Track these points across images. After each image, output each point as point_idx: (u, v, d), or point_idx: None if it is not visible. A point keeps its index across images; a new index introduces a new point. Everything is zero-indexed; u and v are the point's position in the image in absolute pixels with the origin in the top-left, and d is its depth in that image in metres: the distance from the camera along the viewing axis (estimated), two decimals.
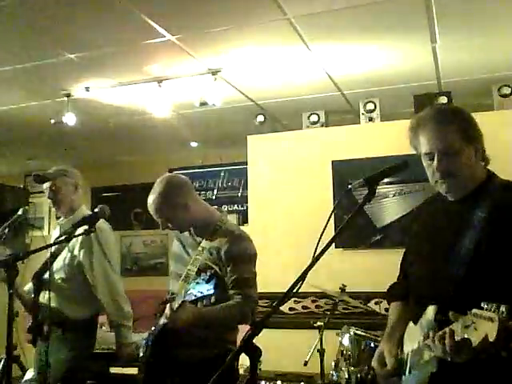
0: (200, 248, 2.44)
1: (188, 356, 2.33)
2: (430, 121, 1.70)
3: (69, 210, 3.10)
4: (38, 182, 3.13)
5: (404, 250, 2.00)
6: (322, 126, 5.11)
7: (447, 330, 1.37)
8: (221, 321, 2.34)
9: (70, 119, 4.82)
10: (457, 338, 1.33)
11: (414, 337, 1.66)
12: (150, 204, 2.45)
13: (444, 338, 1.37)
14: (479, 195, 1.66)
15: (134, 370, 3.99)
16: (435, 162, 1.66)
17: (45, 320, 2.86)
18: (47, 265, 2.93)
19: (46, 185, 3.07)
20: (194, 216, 2.49)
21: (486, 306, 1.26)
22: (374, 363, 1.80)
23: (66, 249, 2.99)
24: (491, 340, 1.21)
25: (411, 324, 1.72)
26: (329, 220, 1.58)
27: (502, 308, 1.22)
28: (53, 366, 2.79)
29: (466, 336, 1.29)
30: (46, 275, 2.91)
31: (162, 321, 2.38)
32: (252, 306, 2.39)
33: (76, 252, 2.97)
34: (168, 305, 2.33)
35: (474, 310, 1.28)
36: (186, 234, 2.58)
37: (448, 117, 1.69)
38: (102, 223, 2.86)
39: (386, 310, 1.99)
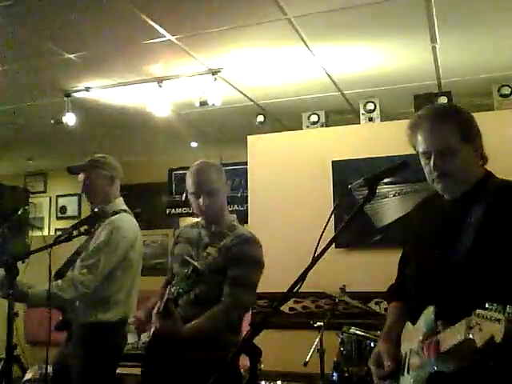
0: (210, 246, 2.41)
1: (189, 358, 2.30)
2: (427, 120, 1.69)
3: (102, 204, 2.88)
4: (70, 173, 3.01)
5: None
6: (322, 126, 5.12)
7: (433, 340, 1.36)
8: (203, 334, 2.29)
9: (70, 119, 4.83)
10: (460, 339, 1.31)
11: (411, 337, 1.65)
12: (193, 173, 2.49)
13: (429, 349, 1.36)
14: (476, 194, 1.66)
15: (133, 370, 3.99)
16: (431, 161, 1.66)
17: (71, 319, 2.74)
18: (70, 262, 2.78)
19: (80, 177, 2.92)
20: (221, 206, 2.49)
21: (490, 307, 1.23)
22: (370, 364, 1.78)
23: (89, 246, 2.78)
24: (498, 341, 1.18)
25: (409, 324, 1.71)
26: (329, 220, 1.58)
27: (509, 309, 1.20)
28: (75, 367, 2.69)
29: (470, 337, 1.26)
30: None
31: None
32: (240, 311, 2.35)
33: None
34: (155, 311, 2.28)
35: (479, 311, 1.25)
36: (195, 233, 2.55)
37: (445, 116, 1.69)
38: (120, 221, 2.74)
39: (386, 310, 1.98)
